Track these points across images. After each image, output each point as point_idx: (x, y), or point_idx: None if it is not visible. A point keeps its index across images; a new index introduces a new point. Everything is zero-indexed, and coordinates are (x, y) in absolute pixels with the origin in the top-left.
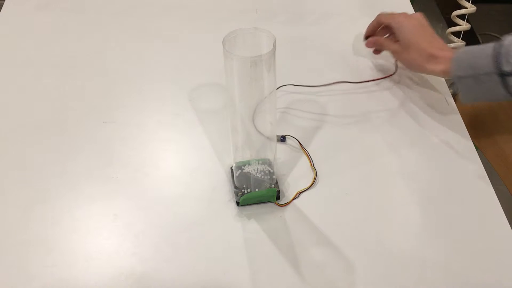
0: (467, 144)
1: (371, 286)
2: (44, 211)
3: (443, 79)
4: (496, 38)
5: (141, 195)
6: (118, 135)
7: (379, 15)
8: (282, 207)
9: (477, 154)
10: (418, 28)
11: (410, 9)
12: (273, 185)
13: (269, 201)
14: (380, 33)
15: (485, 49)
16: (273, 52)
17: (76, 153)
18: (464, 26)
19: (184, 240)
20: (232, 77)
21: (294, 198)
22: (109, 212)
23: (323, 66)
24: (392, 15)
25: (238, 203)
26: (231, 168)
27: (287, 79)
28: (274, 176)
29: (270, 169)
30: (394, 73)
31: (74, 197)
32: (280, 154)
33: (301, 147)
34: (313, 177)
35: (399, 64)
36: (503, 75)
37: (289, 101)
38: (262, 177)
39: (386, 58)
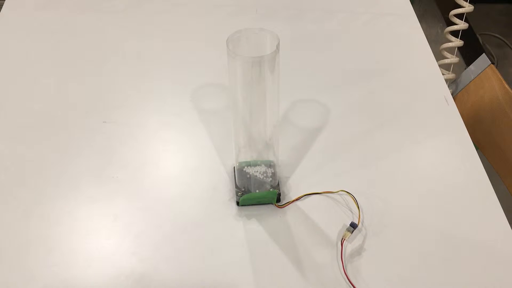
0: (467, 144)
1: (380, 284)
2: (44, 211)
3: (443, 79)
4: (496, 38)
5: (141, 195)
6: (118, 135)
7: None
8: (283, 208)
9: (477, 154)
10: None
11: (410, 9)
12: (274, 187)
13: (269, 203)
14: None
15: None
16: (276, 53)
17: (76, 153)
18: (461, 25)
19: (184, 240)
20: (235, 77)
21: (295, 200)
22: (109, 212)
23: (324, 65)
24: None
25: (238, 203)
26: (234, 167)
27: (288, 79)
28: (276, 178)
29: (272, 170)
30: None
31: (74, 197)
32: (283, 156)
33: (355, 204)
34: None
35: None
36: None
37: (292, 102)
38: (264, 178)
39: (386, 57)
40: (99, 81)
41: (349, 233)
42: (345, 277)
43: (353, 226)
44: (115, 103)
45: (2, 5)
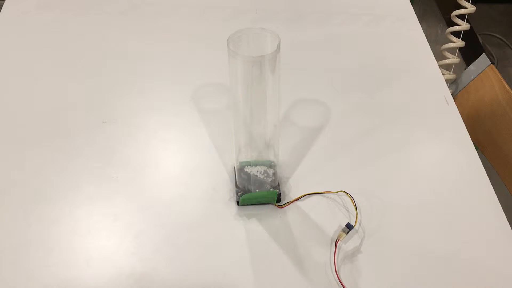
0: (467, 144)
1: (372, 286)
2: (44, 211)
3: (443, 79)
4: (496, 38)
5: (141, 195)
6: (118, 135)
7: None
8: (283, 208)
9: (477, 154)
10: None
11: (410, 10)
12: (274, 187)
13: (269, 203)
14: None
15: None
16: (277, 52)
17: (76, 153)
18: (463, 26)
19: (184, 240)
20: (236, 77)
21: (295, 200)
22: (109, 212)
23: (324, 66)
24: None
25: (238, 203)
26: (234, 167)
27: (288, 79)
28: (276, 178)
29: (272, 170)
30: None
31: (74, 197)
32: (284, 156)
33: (353, 205)
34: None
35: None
36: None
37: (292, 102)
38: (264, 178)
39: (386, 57)
40: (99, 81)
41: (344, 234)
42: (336, 277)
43: (349, 227)
44: (115, 103)
45: (2, 5)
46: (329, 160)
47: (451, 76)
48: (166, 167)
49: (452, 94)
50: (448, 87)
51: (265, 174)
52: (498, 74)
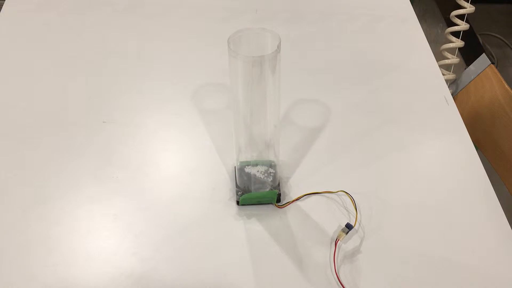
0: (467, 144)
1: (372, 286)
2: (44, 211)
3: (443, 79)
4: (496, 38)
5: (141, 195)
6: (118, 135)
7: None
8: (283, 208)
9: (477, 154)
10: None
11: (410, 10)
12: (274, 187)
13: (269, 203)
14: None
15: None
16: (277, 52)
17: (76, 153)
18: (463, 26)
19: (184, 240)
20: (236, 77)
21: (295, 200)
22: (109, 212)
23: (324, 66)
24: None
25: (238, 202)
26: (235, 167)
27: (288, 79)
28: (276, 178)
29: (272, 170)
30: None
31: (74, 197)
32: (284, 156)
33: (353, 205)
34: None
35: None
36: None
37: (292, 102)
38: (265, 178)
39: (386, 57)
40: (99, 81)
41: (343, 234)
42: (336, 277)
43: (349, 227)
44: (115, 103)
45: (2, 5)
46: (329, 160)
47: (451, 76)
48: (166, 167)
49: (452, 94)
50: (448, 87)
51: (265, 174)
52: (498, 74)
